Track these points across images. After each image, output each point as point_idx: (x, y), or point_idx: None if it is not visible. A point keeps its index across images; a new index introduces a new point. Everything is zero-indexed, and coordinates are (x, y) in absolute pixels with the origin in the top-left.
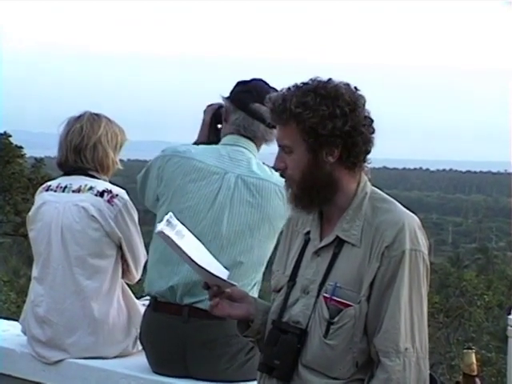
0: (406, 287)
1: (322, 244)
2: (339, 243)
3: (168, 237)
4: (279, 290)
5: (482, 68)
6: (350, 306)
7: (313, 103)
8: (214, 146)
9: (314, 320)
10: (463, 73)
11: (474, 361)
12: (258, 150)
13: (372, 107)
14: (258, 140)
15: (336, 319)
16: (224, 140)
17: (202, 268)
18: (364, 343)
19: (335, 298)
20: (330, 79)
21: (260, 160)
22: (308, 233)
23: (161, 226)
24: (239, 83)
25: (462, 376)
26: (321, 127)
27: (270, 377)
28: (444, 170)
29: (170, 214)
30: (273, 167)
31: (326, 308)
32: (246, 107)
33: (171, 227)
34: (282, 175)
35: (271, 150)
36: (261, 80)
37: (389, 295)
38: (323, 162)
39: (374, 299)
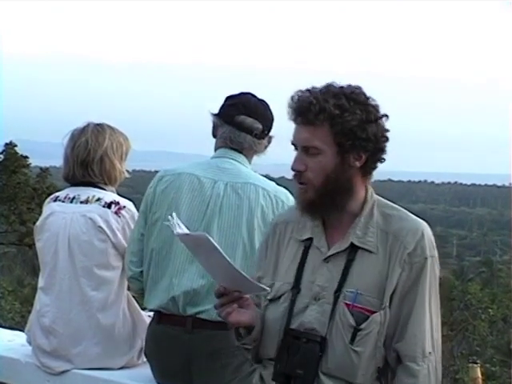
0: (427, 293)
1: (335, 251)
2: (352, 250)
3: (207, 239)
4: (279, 298)
5: (486, 80)
6: (375, 312)
7: (349, 106)
8: (203, 159)
9: (335, 327)
10: (467, 84)
11: (480, 375)
12: (250, 161)
13: None
14: (246, 151)
15: (363, 326)
16: (214, 154)
17: (237, 270)
18: (384, 348)
19: (357, 304)
20: (349, 85)
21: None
22: (308, 239)
23: (181, 230)
24: (227, 98)
25: None
26: (360, 130)
27: None
28: (449, 182)
29: (174, 214)
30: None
31: (351, 314)
32: (232, 120)
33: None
34: (295, 177)
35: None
36: (249, 93)
37: (411, 300)
38: (349, 166)
39: (395, 304)
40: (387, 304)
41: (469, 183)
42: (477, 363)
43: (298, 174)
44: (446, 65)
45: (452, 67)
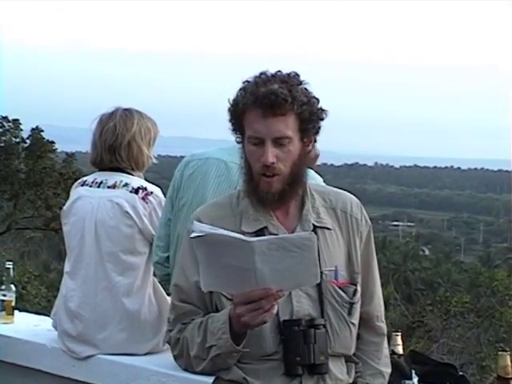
0: (375, 257)
1: None
2: (313, 230)
3: (313, 239)
4: None
5: None
6: (353, 284)
7: (308, 92)
8: (231, 144)
9: (329, 307)
10: (492, 71)
11: (509, 363)
12: None
13: (400, 107)
14: None
15: (355, 299)
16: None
17: (318, 266)
18: None
19: (340, 280)
20: (286, 72)
21: None
22: (260, 230)
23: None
24: None
25: (496, 378)
26: (321, 113)
27: (308, 377)
28: (475, 168)
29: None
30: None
31: (342, 291)
32: None
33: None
34: (263, 171)
35: None
36: None
37: (369, 267)
38: (306, 151)
39: (360, 273)
40: (360, 274)
41: (496, 169)
42: (506, 351)
43: (270, 166)
44: (459, 52)
45: (464, 55)
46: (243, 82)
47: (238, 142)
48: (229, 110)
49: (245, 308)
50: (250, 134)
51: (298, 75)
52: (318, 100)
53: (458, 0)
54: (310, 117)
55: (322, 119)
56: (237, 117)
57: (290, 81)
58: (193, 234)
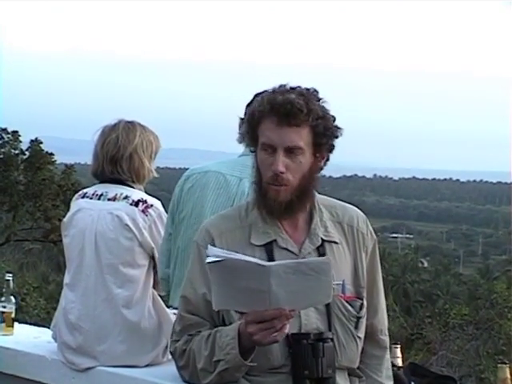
0: (380, 270)
1: (310, 249)
2: (321, 245)
3: (329, 263)
4: None
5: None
6: (359, 298)
7: (325, 108)
8: (230, 157)
9: (337, 321)
10: (479, 79)
11: (509, 375)
12: None
13: (399, 117)
14: None
15: (361, 313)
16: (242, 152)
17: (333, 288)
18: None
19: (347, 294)
20: (305, 87)
21: None
22: (269, 243)
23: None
24: (256, 96)
25: None
26: (335, 130)
27: None
28: (474, 180)
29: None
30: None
31: (349, 305)
32: None
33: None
34: (273, 180)
35: None
36: None
37: (374, 281)
38: (318, 165)
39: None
40: (365, 288)
41: (495, 181)
42: (506, 363)
43: (280, 175)
44: (455, 60)
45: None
46: (257, 94)
47: (251, 152)
48: (245, 118)
49: (257, 327)
50: (263, 141)
51: (317, 92)
52: (334, 118)
53: (457, 1)
54: (324, 131)
55: (337, 137)
56: (252, 125)
57: (308, 95)
58: (208, 259)
